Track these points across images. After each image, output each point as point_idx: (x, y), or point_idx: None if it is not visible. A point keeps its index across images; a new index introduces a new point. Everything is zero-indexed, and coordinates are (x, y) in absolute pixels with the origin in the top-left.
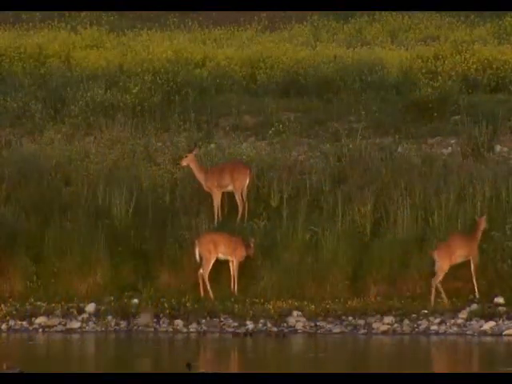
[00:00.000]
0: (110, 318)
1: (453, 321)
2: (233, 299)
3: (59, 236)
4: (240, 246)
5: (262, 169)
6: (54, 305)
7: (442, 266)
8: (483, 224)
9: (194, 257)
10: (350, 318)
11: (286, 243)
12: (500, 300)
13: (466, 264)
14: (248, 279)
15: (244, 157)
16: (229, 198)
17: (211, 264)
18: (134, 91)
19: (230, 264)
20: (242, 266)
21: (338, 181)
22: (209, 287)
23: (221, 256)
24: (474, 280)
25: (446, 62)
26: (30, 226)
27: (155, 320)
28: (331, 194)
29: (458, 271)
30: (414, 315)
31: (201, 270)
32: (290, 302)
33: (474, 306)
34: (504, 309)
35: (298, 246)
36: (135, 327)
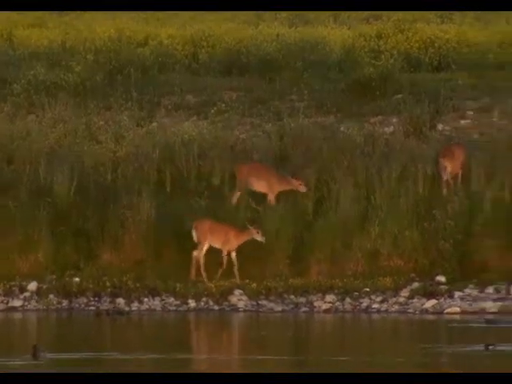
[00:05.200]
0: (51, 296)
1: (394, 299)
2: (174, 278)
3: (1, 215)
4: (233, 238)
5: (203, 148)
6: None
7: None
8: None
9: (193, 239)
10: (292, 297)
11: (228, 222)
12: (441, 278)
13: (407, 241)
14: (189, 257)
15: (186, 136)
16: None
17: (204, 249)
18: (77, 70)
19: (232, 254)
20: (184, 244)
21: (280, 160)
22: (202, 269)
23: (212, 244)
24: None
25: (389, 40)
26: None
27: (96, 298)
28: None
29: (400, 249)
30: (355, 293)
31: (195, 253)
32: (231, 280)
33: (416, 285)
34: (445, 287)
35: (239, 225)
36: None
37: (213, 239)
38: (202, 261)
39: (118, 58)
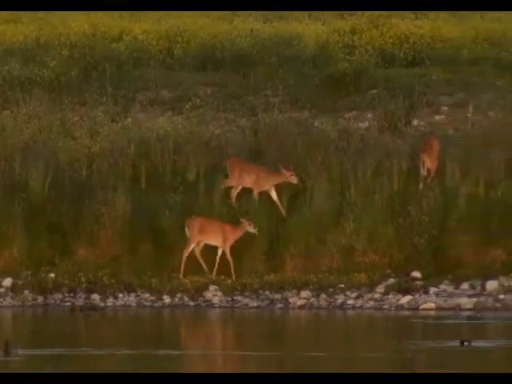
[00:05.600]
0: (26, 292)
1: (370, 295)
2: (150, 273)
3: None
4: (229, 234)
5: (178, 143)
6: None
7: None
8: None
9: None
10: (267, 293)
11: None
12: (417, 274)
13: (382, 237)
14: (165, 253)
15: (161, 131)
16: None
17: (191, 247)
18: (51, 66)
19: (218, 250)
20: (159, 240)
21: (255, 155)
22: (183, 266)
23: (207, 242)
24: None
25: (363, 36)
26: None
27: (72, 294)
28: None
29: (375, 245)
30: (330, 289)
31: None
32: (207, 276)
33: (391, 281)
34: (421, 283)
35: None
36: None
37: (208, 237)
38: (184, 258)
39: (93, 53)
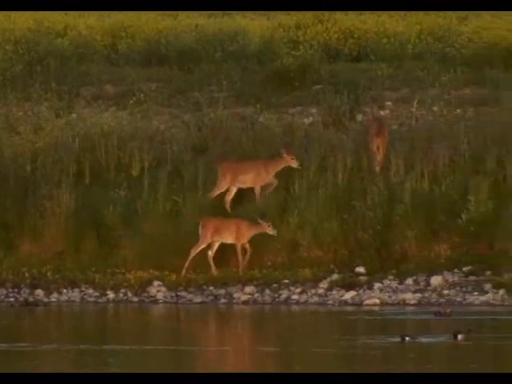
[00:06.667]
0: None
1: (314, 290)
2: (94, 269)
3: None
4: (245, 230)
5: (122, 138)
6: None
7: None
8: None
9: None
10: (211, 288)
11: (147, 213)
12: (361, 269)
13: (327, 232)
14: (109, 249)
15: (105, 126)
16: None
17: (202, 247)
18: None
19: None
20: (103, 236)
21: (200, 150)
22: (187, 264)
23: (225, 241)
24: None
25: (308, 31)
26: None
27: (16, 290)
28: (192, 164)
29: (319, 240)
30: (275, 285)
31: (209, 252)
32: (150, 271)
33: (335, 276)
34: (365, 278)
35: (158, 216)
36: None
37: (224, 236)
38: (190, 257)
39: (37, 48)
